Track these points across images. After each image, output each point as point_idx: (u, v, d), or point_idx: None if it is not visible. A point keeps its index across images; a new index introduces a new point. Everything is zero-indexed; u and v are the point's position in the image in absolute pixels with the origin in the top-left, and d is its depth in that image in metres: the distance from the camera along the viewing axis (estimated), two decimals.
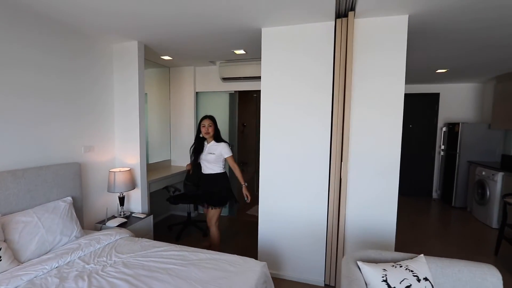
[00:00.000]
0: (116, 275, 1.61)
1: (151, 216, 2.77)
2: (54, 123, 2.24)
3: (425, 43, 2.70)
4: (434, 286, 1.29)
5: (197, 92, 3.97)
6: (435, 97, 5.13)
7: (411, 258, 1.40)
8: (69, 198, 2.21)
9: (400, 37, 2.01)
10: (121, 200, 2.69)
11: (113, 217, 2.67)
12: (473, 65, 3.59)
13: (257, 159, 5.60)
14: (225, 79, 3.62)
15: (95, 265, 1.73)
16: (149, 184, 2.99)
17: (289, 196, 2.38)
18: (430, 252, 3.02)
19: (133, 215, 2.73)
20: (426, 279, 1.27)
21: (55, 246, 1.88)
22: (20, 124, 1.99)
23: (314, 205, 2.31)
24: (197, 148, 2.71)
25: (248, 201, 2.65)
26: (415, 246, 3.16)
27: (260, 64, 3.33)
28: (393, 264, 1.33)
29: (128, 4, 1.90)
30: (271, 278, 1.84)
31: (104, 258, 1.81)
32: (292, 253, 2.42)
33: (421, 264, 1.35)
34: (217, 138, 2.67)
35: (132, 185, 2.70)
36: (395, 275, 1.27)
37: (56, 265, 1.67)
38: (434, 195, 5.26)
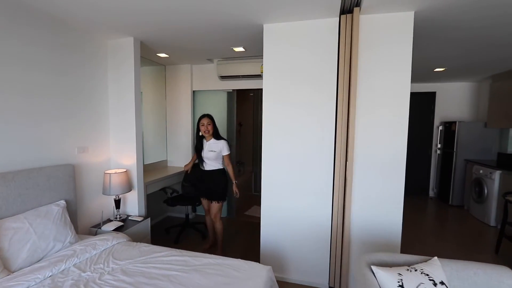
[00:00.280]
0: (114, 283, 1.52)
1: (149, 219, 2.68)
2: (45, 123, 2.12)
3: (426, 42, 2.67)
4: None
5: (194, 91, 3.87)
6: (431, 96, 5.16)
7: (425, 261, 1.36)
8: (63, 202, 2.10)
9: (406, 34, 1.97)
10: (117, 202, 2.59)
11: (109, 220, 2.57)
12: (471, 64, 3.60)
13: (254, 159, 5.59)
14: (223, 77, 3.53)
15: (91, 273, 1.64)
16: (146, 186, 2.89)
17: (292, 197, 2.32)
18: (430, 250, 3.01)
19: (129, 218, 2.63)
20: (442, 283, 1.23)
21: (48, 253, 1.78)
22: (8, 123, 1.87)
23: (318, 206, 2.26)
24: (198, 146, 2.82)
25: (237, 197, 2.86)
26: (415, 244, 3.15)
27: (260, 62, 3.32)
28: (407, 268, 1.28)
29: None
30: (276, 283, 1.77)
31: (101, 265, 1.72)
32: (295, 255, 2.36)
33: (436, 267, 1.30)
34: (217, 135, 2.78)
35: (129, 187, 2.60)
36: (411, 279, 1.22)
37: (50, 274, 1.57)
38: (431, 193, 5.29)
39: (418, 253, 2.95)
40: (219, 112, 3.79)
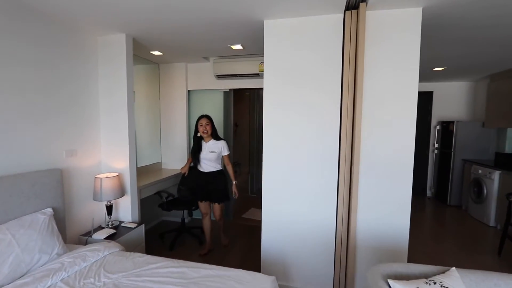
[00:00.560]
0: None
1: (143, 225, 2.54)
2: (29, 124, 1.96)
3: (429, 41, 2.61)
4: None
5: (189, 90, 3.74)
6: (429, 95, 5.13)
7: (443, 272, 1.27)
8: (49, 210, 1.95)
9: (414, 31, 1.88)
10: (109, 209, 2.44)
11: (100, 228, 2.42)
12: (470, 64, 3.57)
13: (251, 160, 5.48)
14: (219, 76, 3.41)
15: None
16: (140, 190, 2.75)
17: (294, 201, 2.22)
18: (432, 252, 2.96)
19: (122, 225, 2.49)
20: None
21: (33, 267, 1.63)
22: None
23: (321, 210, 2.17)
24: (195, 147, 2.77)
25: (236, 197, 2.84)
26: (417, 247, 3.08)
27: (258, 60, 3.20)
28: (426, 280, 1.19)
29: None
30: None
31: (92, 279, 1.58)
32: (298, 261, 2.26)
33: (455, 278, 1.22)
34: (216, 136, 2.77)
35: (121, 192, 2.46)
36: None
37: None
38: (428, 193, 5.28)
39: (420, 255, 2.93)
40: (216, 112, 3.66)
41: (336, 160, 2.10)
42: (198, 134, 2.74)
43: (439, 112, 5.12)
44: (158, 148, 3.76)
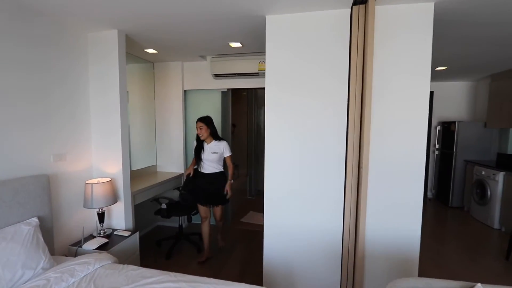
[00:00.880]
0: None
1: (137, 233, 2.39)
2: (13, 127, 1.81)
3: (435, 39, 2.50)
4: None
5: (185, 90, 3.60)
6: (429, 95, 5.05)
7: None
8: (35, 220, 1.80)
9: (426, 27, 1.78)
10: (101, 216, 2.29)
11: (92, 237, 2.27)
12: (474, 63, 3.49)
13: (249, 162, 5.34)
14: (217, 75, 3.28)
15: None
16: (134, 196, 2.60)
17: (298, 207, 2.10)
18: (438, 257, 2.86)
19: (115, 233, 2.34)
20: None
21: (14, 284, 1.48)
22: None
23: (327, 217, 2.05)
24: (197, 148, 2.74)
25: (228, 197, 2.76)
26: (421, 251, 2.98)
27: (257, 59, 3.08)
28: None
29: None
30: None
31: None
32: (302, 271, 2.14)
33: None
34: (216, 137, 2.72)
35: (114, 199, 2.31)
36: None
37: None
38: (429, 194, 5.21)
39: (426, 260, 2.84)
40: (213, 113, 3.52)
41: (343, 164, 1.99)
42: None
43: (439, 112, 5.05)
44: (153, 151, 3.61)
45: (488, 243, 3.28)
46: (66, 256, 2.11)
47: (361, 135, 1.87)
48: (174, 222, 3.59)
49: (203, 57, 3.30)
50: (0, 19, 1.71)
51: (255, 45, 2.75)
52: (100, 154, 2.44)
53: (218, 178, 2.74)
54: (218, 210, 2.82)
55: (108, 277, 1.62)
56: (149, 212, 3.47)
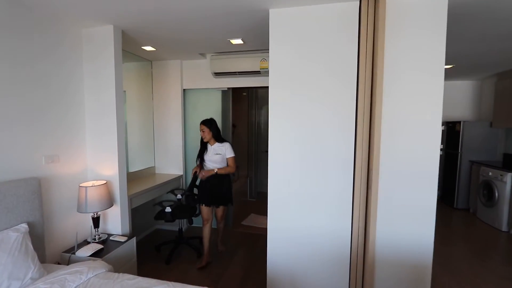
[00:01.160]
0: None
1: (134, 238, 2.28)
2: (0, 126, 1.70)
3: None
4: None
5: (184, 89, 3.49)
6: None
7: None
8: (24, 226, 1.69)
9: (440, 21, 1.68)
10: (96, 221, 2.18)
11: (86, 242, 2.16)
12: (480, 61, 3.40)
13: (249, 163, 5.24)
14: (217, 74, 3.17)
15: None
16: (131, 199, 2.49)
17: (304, 211, 1.99)
18: (447, 261, 2.76)
19: (111, 238, 2.23)
20: None
21: None
22: None
23: (334, 221, 1.94)
24: (201, 150, 2.77)
25: (199, 176, 2.68)
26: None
27: (259, 56, 2.97)
28: None
29: None
30: None
31: None
32: (307, 279, 2.03)
33: None
34: (219, 139, 2.72)
35: (109, 202, 2.20)
36: None
37: None
38: None
39: (435, 265, 2.70)
40: (213, 113, 3.42)
41: (351, 166, 1.88)
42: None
43: (444, 112, 4.93)
44: (151, 152, 3.50)
45: (497, 246, 3.18)
46: (59, 263, 2.01)
47: (370, 136, 1.77)
48: (173, 225, 3.48)
49: (202, 55, 3.20)
50: None
51: (257, 42, 2.65)
52: (95, 156, 2.33)
53: (222, 179, 2.72)
54: (220, 210, 2.81)
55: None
56: (147, 215, 3.36)
